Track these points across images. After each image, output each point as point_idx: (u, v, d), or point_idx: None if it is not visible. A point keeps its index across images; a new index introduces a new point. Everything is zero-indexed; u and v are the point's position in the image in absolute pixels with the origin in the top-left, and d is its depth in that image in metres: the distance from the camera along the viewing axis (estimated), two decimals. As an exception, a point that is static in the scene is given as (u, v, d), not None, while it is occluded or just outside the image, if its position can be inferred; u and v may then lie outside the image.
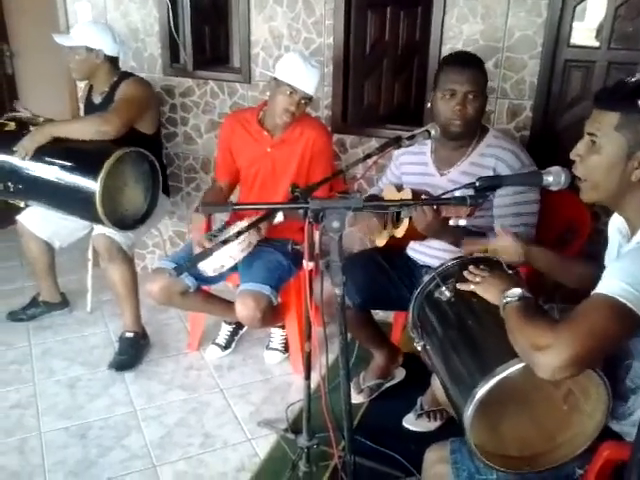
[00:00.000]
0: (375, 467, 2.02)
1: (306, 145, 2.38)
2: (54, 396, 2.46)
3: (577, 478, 1.34)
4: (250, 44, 2.89)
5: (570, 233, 2.18)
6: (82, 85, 3.09)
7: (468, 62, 1.97)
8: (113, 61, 2.73)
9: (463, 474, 1.38)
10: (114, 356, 2.68)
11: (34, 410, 2.37)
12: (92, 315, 3.09)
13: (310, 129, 2.39)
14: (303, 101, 2.29)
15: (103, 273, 2.72)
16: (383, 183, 2.33)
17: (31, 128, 2.57)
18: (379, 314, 2.66)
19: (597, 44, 2.40)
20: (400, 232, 1.95)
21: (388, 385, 2.51)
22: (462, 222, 1.51)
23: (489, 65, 2.39)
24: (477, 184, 1.52)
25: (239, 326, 2.80)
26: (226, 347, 2.77)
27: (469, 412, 1.23)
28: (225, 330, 2.80)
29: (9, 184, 2.60)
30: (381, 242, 2.15)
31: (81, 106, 3.05)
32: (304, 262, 1.54)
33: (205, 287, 2.49)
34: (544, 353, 1.12)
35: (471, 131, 2.01)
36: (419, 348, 1.62)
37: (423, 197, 1.92)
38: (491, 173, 1.96)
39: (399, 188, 2.14)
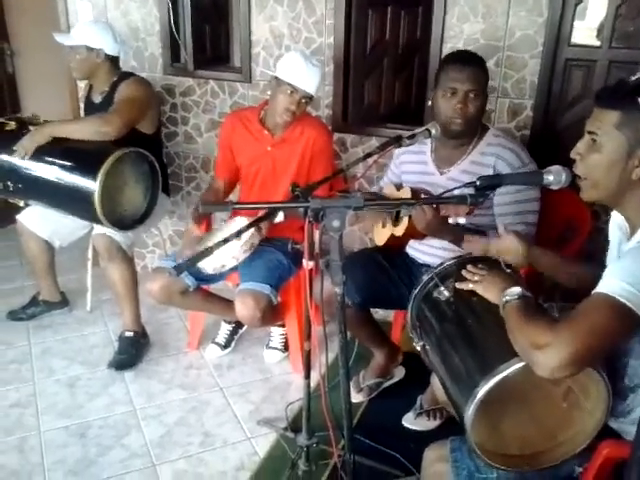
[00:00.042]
0: (375, 466, 2.02)
1: (307, 144, 2.38)
2: (54, 395, 2.46)
3: (577, 476, 1.35)
4: (251, 43, 2.89)
5: (570, 232, 2.18)
6: (83, 84, 3.09)
7: (469, 61, 1.97)
8: (114, 60, 2.73)
9: (463, 473, 1.38)
10: (114, 355, 2.68)
11: (34, 409, 2.37)
12: (92, 314, 3.08)
13: (311, 128, 2.39)
14: (304, 100, 2.29)
15: (103, 272, 2.72)
16: (384, 182, 2.33)
17: (31, 128, 2.57)
18: (379, 313, 2.66)
19: (598, 43, 2.40)
20: (400, 231, 1.95)
21: (388, 384, 2.51)
22: (461, 220, 1.52)
23: (490, 64, 2.38)
24: (478, 183, 1.52)
25: (239, 325, 2.80)
26: (226, 346, 2.77)
27: (470, 412, 1.23)
28: (225, 329, 2.80)
29: (9, 183, 2.60)
30: (381, 241, 2.15)
31: (81, 105, 3.05)
32: (304, 261, 1.54)
33: (205, 286, 2.49)
34: (544, 352, 1.12)
35: (471, 130, 2.01)
36: (419, 348, 1.62)
37: (423, 196, 1.92)
38: (491, 172, 1.96)
39: (398, 187, 2.14)
